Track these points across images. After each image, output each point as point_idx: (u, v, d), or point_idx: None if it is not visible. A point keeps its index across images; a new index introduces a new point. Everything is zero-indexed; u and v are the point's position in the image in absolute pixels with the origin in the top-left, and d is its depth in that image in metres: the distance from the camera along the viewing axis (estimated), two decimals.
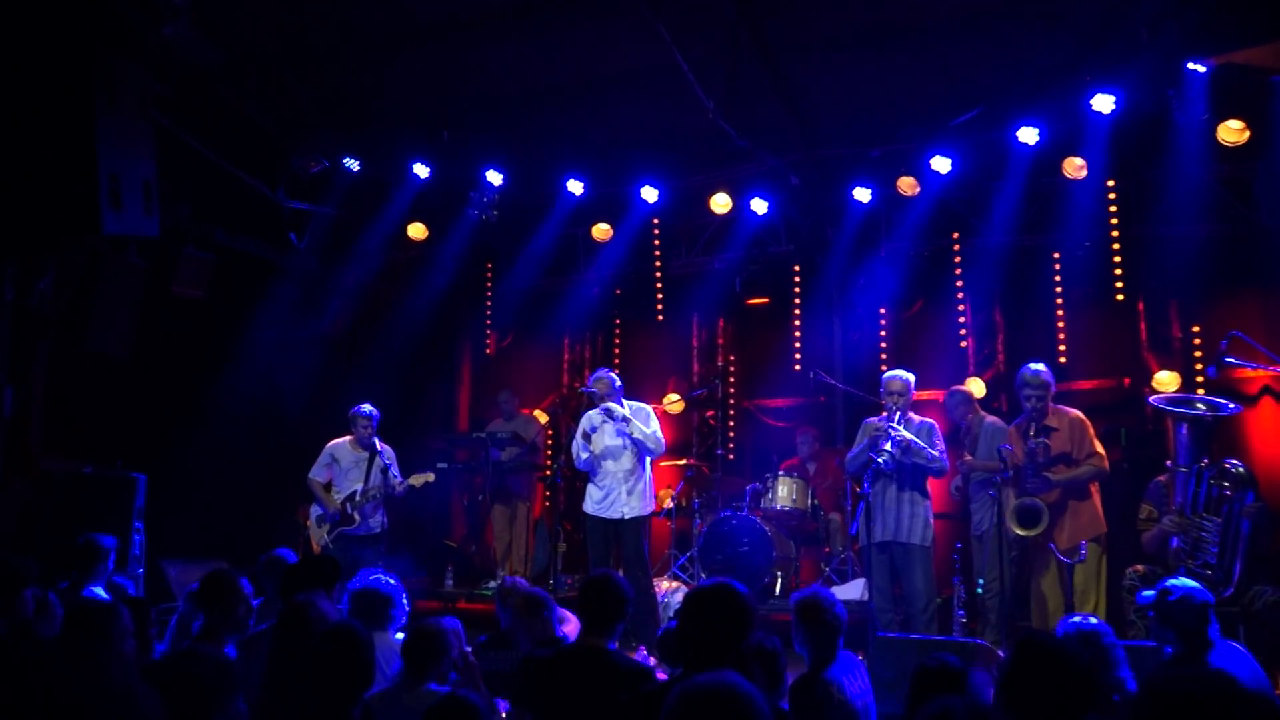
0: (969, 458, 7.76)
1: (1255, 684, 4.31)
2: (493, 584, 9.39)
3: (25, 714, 1.47)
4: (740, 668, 3.10)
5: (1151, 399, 7.27)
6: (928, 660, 3.74)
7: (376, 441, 8.13)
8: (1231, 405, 6.66)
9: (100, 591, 5.84)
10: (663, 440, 7.60)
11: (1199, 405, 6.60)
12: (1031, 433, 6.90)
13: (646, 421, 7.59)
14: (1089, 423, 6.98)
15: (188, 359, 9.56)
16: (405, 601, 5.16)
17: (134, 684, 1.63)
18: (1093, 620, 4.48)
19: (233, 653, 4.58)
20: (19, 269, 7.68)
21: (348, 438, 8.22)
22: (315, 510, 8.21)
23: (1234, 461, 6.50)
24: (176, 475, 8.82)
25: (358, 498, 8.02)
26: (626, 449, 7.54)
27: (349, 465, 8.16)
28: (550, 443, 11.15)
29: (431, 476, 8.29)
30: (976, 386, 9.12)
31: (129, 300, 8.68)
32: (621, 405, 7.59)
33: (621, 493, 7.51)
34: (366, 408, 8.15)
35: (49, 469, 8.20)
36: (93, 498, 8.02)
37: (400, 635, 5.02)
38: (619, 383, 7.73)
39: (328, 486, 8.20)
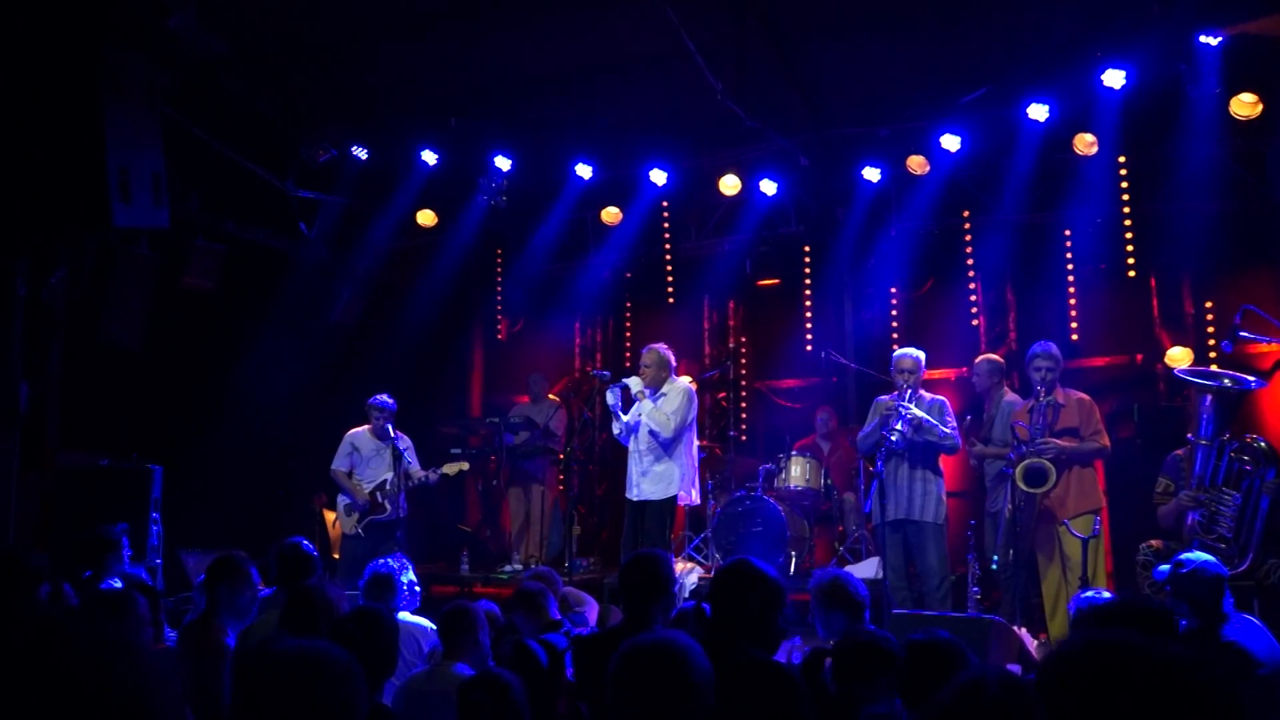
0: (978, 445, 7.71)
1: (1270, 656, 4.32)
2: (508, 567, 9.44)
3: (34, 694, 1.46)
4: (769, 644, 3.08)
5: (1176, 370, 7.28)
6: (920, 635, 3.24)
7: (390, 429, 8.16)
8: (1255, 380, 6.64)
9: (117, 584, 5.87)
10: (674, 422, 7.26)
11: (1225, 380, 6.56)
12: (1041, 396, 6.97)
13: (666, 402, 7.35)
14: (1096, 406, 7.11)
15: (200, 350, 9.61)
16: (406, 579, 5.17)
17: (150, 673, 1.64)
18: (1106, 595, 4.49)
19: (232, 640, 4.59)
20: (31, 264, 7.72)
21: (366, 427, 8.26)
22: (343, 499, 8.26)
23: (1256, 436, 6.47)
24: (192, 466, 8.87)
25: (388, 486, 8.06)
26: (641, 429, 7.42)
27: (370, 454, 8.21)
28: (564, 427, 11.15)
29: (466, 465, 8.36)
30: None
31: (141, 293, 8.72)
32: (674, 381, 7.46)
33: (635, 474, 7.44)
34: (383, 398, 8.18)
35: (65, 462, 8.24)
36: (109, 490, 8.08)
37: (405, 615, 5.05)
38: (673, 359, 7.55)
39: (349, 475, 8.25)
